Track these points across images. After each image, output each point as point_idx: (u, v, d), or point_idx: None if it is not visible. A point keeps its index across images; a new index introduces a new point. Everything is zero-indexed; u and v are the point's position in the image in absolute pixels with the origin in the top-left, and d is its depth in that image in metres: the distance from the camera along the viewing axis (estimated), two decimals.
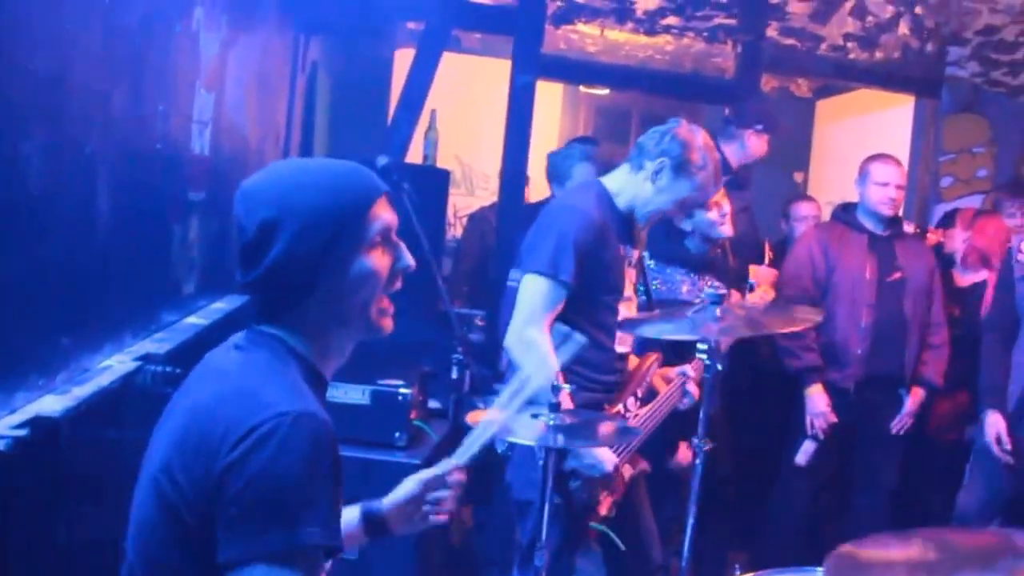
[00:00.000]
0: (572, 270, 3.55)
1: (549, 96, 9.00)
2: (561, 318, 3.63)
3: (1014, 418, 4.67)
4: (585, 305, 3.66)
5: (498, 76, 6.82)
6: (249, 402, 1.76)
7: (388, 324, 2.00)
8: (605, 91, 9.38)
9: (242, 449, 1.70)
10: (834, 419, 5.15)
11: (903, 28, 6.89)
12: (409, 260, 1.99)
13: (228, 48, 4.10)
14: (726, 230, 4.94)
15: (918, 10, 6.58)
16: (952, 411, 5.62)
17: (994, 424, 4.69)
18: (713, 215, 4.88)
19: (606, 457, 3.61)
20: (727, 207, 4.93)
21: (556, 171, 5.44)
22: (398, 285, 1.99)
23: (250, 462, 1.69)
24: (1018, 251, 4.71)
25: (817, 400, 5.16)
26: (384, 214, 1.95)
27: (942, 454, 5.57)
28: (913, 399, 5.25)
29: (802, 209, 6.74)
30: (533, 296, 3.59)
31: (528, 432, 3.03)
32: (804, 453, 5.26)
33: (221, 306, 4.33)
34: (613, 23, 6.92)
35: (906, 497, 5.43)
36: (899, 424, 5.25)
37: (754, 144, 5.61)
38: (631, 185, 3.75)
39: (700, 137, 3.73)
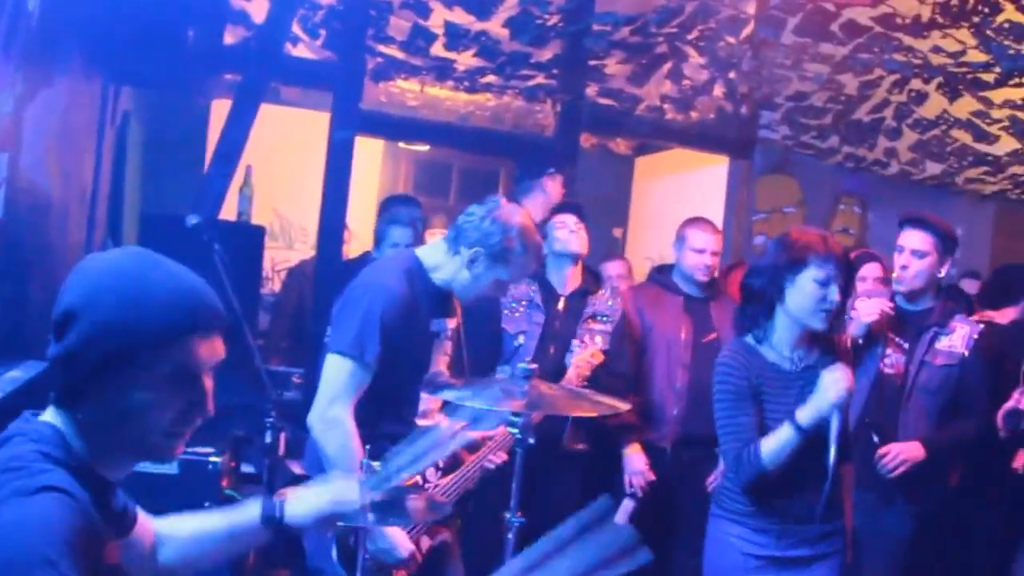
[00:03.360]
0: (377, 351, 3.53)
1: (369, 149, 8.92)
2: (366, 391, 3.59)
3: None
4: (389, 380, 3.62)
5: (318, 128, 6.74)
6: None
7: (172, 454, 1.89)
8: (425, 146, 9.36)
9: None
10: (652, 477, 5.17)
11: (718, 91, 7.06)
12: (206, 408, 1.85)
13: (24, 104, 3.92)
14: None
15: (732, 75, 6.75)
16: None
17: None
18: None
19: (400, 543, 3.55)
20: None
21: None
22: (194, 424, 1.87)
23: None
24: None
25: (635, 459, 5.17)
26: (198, 352, 1.82)
27: None
28: None
29: (610, 268, 6.75)
30: (337, 376, 3.55)
31: None
32: (624, 512, 5.26)
33: (17, 375, 4.11)
34: (433, 80, 6.90)
35: None
36: (714, 482, 5.30)
37: (552, 188, 5.69)
38: (448, 265, 3.72)
39: (519, 219, 3.70)
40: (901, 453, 4.51)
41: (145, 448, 1.84)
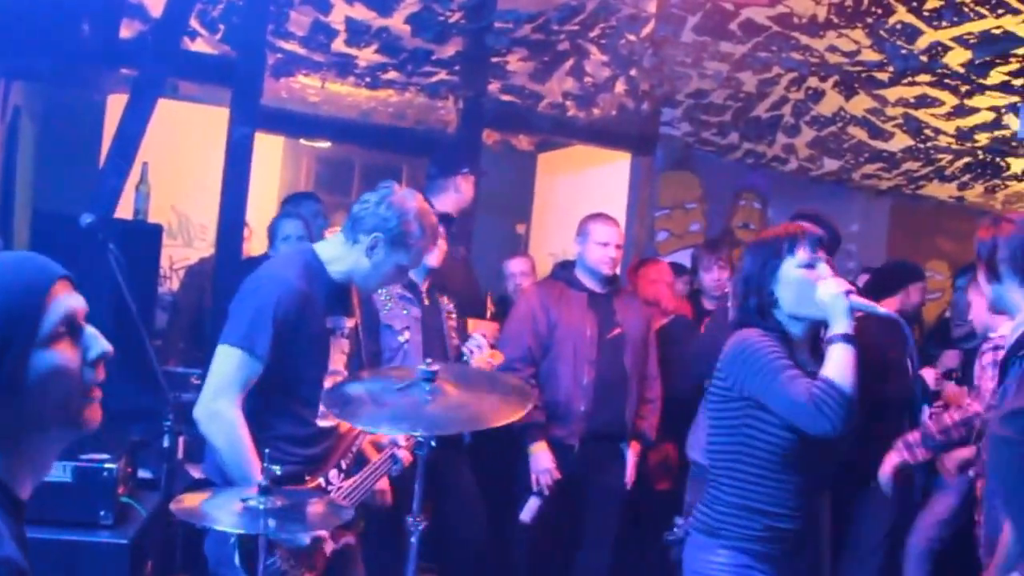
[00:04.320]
0: (268, 344, 3.45)
1: (269, 145, 8.79)
2: (261, 391, 3.52)
3: None
4: (285, 378, 3.56)
5: (217, 124, 6.61)
6: None
7: (95, 415, 1.79)
8: (327, 143, 9.27)
9: None
10: (558, 475, 5.18)
11: (619, 89, 7.10)
12: (102, 346, 1.79)
13: None
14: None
15: (633, 72, 6.80)
16: (660, 462, 5.77)
17: None
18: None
19: None
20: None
21: None
22: (101, 374, 1.80)
23: None
24: None
25: (541, 457, 5.18)
26: (64, 301, 1.75)
27: (657, 505, 5.67)
28: (632, 453, 5.36)
29: (512, 266, 6.85)
30: (226, 368, 3.48)
31: (227, 518, 3.01)
32: (529, 510, 5.27)
33: None
34: (334, 76, 6.83)
35: (626, 548, 5.51)
36: (630, 479, 5.35)
37: (465, 188, 5.67)
38: (347, 257, 3.66)
39: (414, 202, 3.68)
40: None
41: (71, 413, 1.75)
